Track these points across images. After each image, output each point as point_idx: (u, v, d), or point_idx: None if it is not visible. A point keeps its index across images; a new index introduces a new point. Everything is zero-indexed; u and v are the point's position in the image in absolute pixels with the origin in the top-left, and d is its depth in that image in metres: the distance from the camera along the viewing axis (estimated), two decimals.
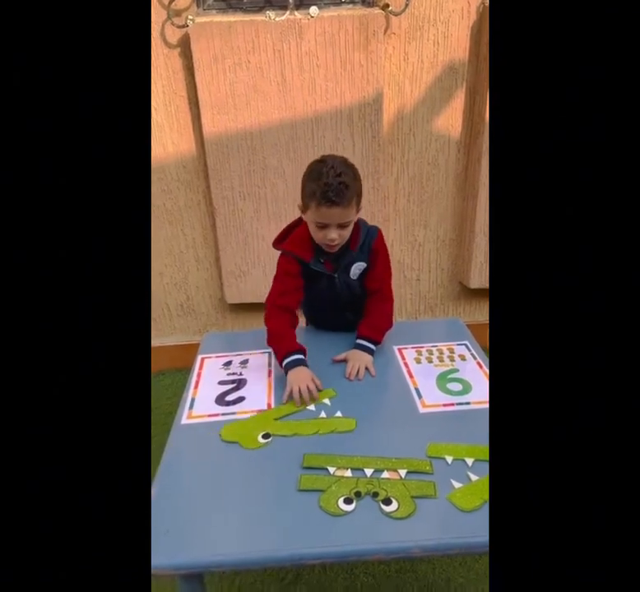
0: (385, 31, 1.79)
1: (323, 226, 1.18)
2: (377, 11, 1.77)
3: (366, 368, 1.24)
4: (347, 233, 1.22)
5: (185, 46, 1.76)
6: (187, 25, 1.72)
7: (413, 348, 1.35)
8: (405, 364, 1.28)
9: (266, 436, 1.04)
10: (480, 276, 2.16)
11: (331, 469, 0.93)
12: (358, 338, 1.31)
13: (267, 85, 1.81)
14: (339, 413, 1.09)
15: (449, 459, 0.95)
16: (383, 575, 1.33)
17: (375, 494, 0.88)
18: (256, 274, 2.11)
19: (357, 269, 1.33)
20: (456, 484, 0.89)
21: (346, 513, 0.84)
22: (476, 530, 0.81)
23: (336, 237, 1.18)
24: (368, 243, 1.31)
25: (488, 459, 0.93)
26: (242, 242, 2.05)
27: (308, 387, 1.13)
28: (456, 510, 0.84)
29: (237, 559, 0.80)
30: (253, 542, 0.81)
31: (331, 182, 1.12)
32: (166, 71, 1.83)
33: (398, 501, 0.86)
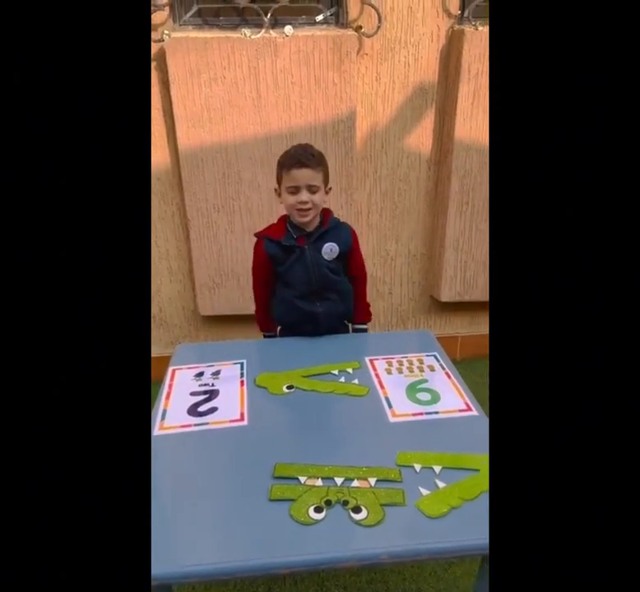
0: (358, 52, 1.85)
1: (295, 190, 1.33)
2: (350, 32, 1.82)
3: None
4: (317, 199, 1.35)
5: (161, 60, 1.78)
6: (163, 40, 1.74)
7: (384, 359, 1.38)
8: (377, 375, 1.30)
9: (290, 387, 1.24)
10: (449, 290, 2.21)
11: (302, 479, 0.94)
12: (356, 324, 1.59)
13: (242, 101, 1.84)
14: (356, 381, 1.25)
15: (417, 467, 0.97)
16: (354, 587, 1.33)
17: (345, 502, 0.89)
18: (229, 286, 2.11)
19: (328, 249, 1.43)
20: (424, 491, 0.91)
21: (317, 522, 0.85)
22: (443, 536, 0.83)
23: (306, 199, 1.32)
24: (345, 238, 1.46)
25: (454, 466, 0.96)
26: (216, 254, 2.06)
27: None
28: (424, 516, 0.86)
29: (207, 570, 0.79)
30: (224, 552, 0.81)
31: (299, 150, 1.35)
32: None
33: (367, 509, 0.88)
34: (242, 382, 1.28)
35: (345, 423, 1.13)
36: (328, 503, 0.89)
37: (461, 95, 1.90)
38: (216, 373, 1.32)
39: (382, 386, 1.25)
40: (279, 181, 1.40)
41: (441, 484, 0.92)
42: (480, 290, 2.22)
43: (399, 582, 1.35)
